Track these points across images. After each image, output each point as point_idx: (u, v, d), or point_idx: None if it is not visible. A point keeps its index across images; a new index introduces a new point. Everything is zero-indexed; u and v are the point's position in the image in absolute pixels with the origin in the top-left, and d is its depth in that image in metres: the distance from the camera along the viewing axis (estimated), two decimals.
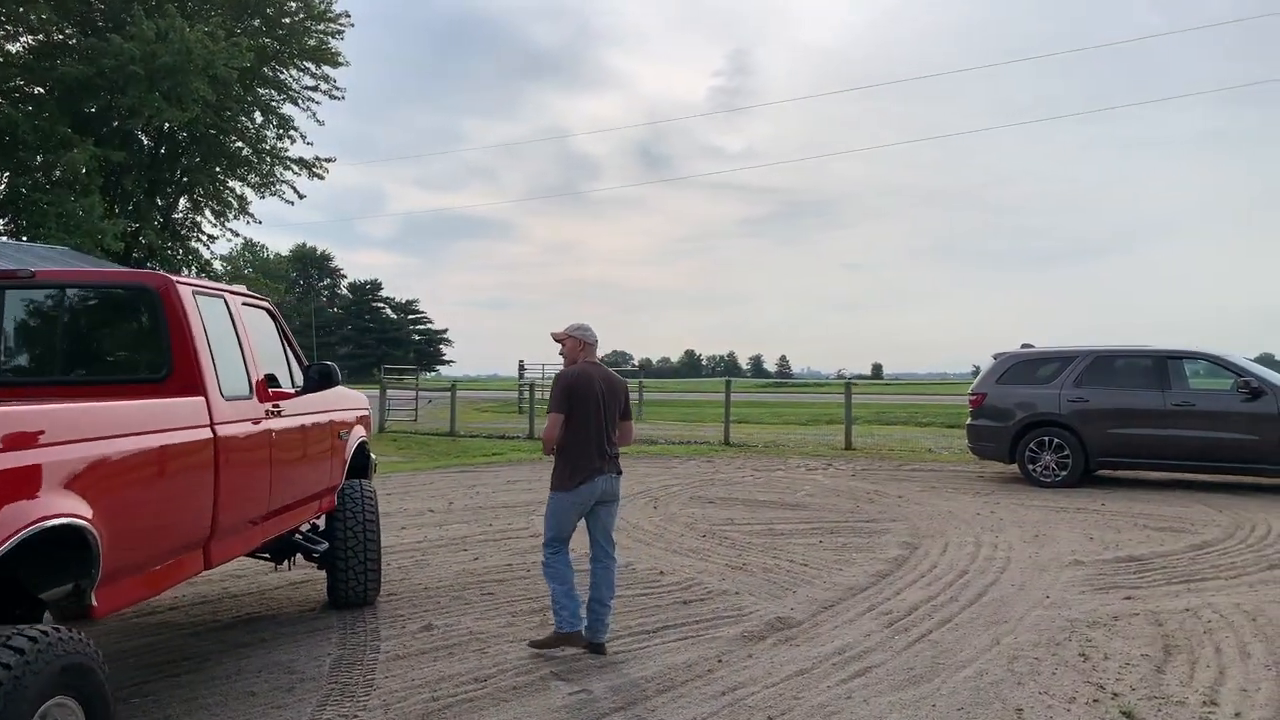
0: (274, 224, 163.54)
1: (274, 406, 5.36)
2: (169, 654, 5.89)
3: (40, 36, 27.59)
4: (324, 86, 31.13)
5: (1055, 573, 7.94)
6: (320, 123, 38.53)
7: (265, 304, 6.00)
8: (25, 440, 3.09)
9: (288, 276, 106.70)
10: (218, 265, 32.03)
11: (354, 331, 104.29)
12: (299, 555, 6.74)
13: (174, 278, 4.71)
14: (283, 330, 6.10)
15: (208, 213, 30.81)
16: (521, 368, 29.45)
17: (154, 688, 5.26)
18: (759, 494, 12.68)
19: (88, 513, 3.39)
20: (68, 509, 3.24)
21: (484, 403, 34.82)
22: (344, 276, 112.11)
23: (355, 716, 4.80)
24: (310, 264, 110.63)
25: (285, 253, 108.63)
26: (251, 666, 5.61)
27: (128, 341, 4.66)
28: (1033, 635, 6.15)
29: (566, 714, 4.80)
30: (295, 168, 30.62)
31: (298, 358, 6.19)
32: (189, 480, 4.28)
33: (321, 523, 6.93)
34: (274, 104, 30.70)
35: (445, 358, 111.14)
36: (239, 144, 30.38)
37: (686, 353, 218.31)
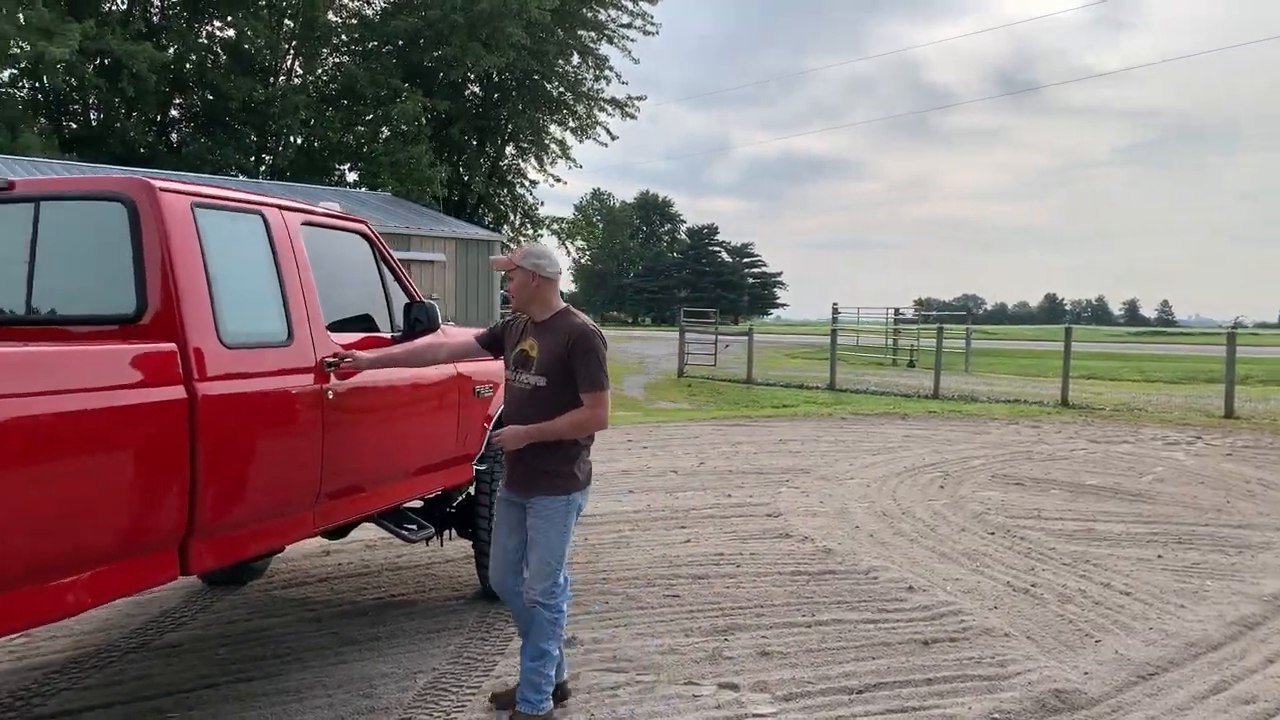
0: (624, 172, 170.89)
1: (335, 356, 4.10)
2: (266, 646, 4.96)
3: None
4: (638, 24, 30.56)
5: None
6: (635, 61, 38.43)
7: (358, 226, 4.76)
8: None
9: (631, 223, 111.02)
10: (543, 210, 32.89)
11: (691, 275, 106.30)
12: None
13: (160, 183, 3.54)
14: (384, 260, 4.84)
15: (531, 158, 31.57)
16: (835, 311, 27.28)
17: (207, 696, 4.30)
18: (1087, 475, 9.92)
19: None
20: None
21: (799, 348, 33.06)
22: (683, 222, 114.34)
23: None
24: (653, 210, 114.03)
25: (630, 200, 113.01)
26: (334, 679, 4.50)
27: (102, 270, 3.58)
28: None
29: None
30: (609, 108, 30.45)
31: (409, 295, 4.92)
32: (122, 461, 3.10)
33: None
34: (591, 44, 30.60)
35: (779, 300, 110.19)
36: (559, 88, 30.67)
37: (1047, 297, 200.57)
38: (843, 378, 20.95)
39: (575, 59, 30.43)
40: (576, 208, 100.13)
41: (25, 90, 24.12)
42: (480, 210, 31.36)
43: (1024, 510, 8.19)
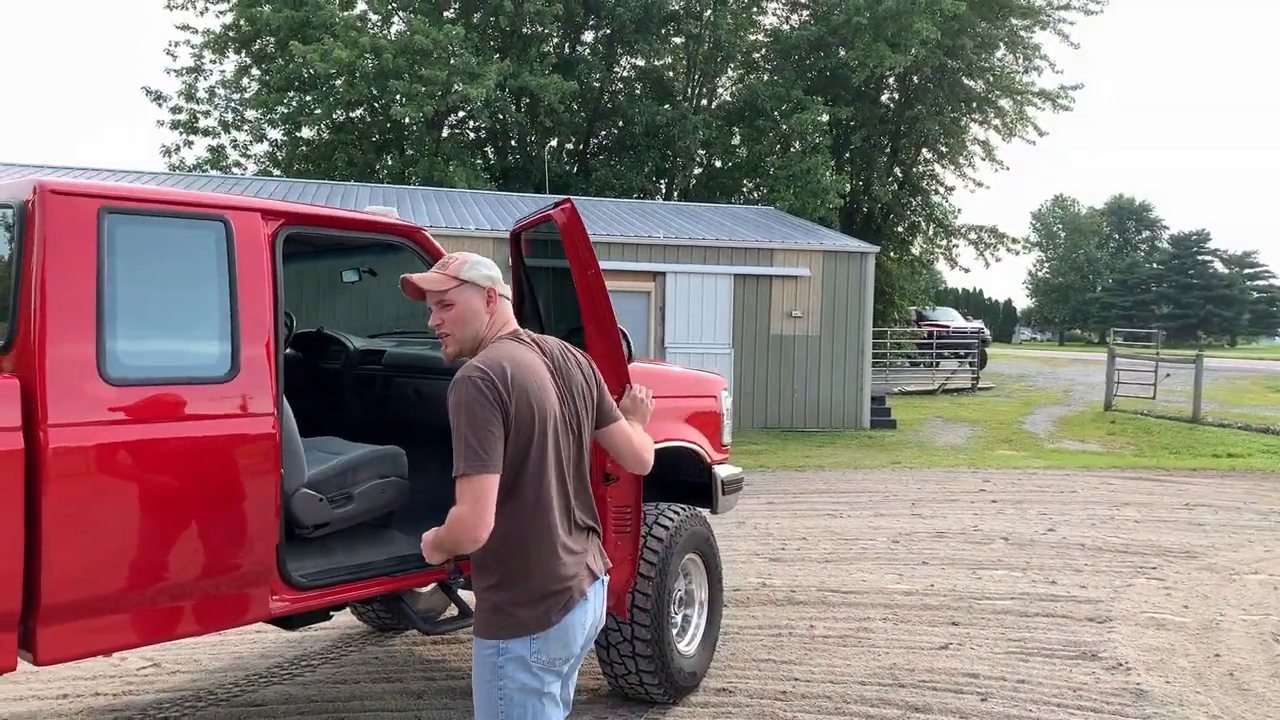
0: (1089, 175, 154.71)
1: None
2: None
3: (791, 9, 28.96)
4: (1077, 3, 26.71)
5: None
6: (1075, 45, 33.64)
7: (402, 233, 3.88)
8: None
9: (1100, 231, 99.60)
10: (966, 218, 30.04)
11: (1173, 289, 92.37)
12: None
13: (56, 185, 2.96)
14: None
15: (948, 163, 28.97)
16: None
17: None
18: None
19: None
20: None
21: None
22: (1165, 228, 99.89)
23: None
24: (1126, 216, 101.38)
25: (1100, 206, 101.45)
26: None
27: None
28: None
29: None
30: (1038, 101, 26.90)
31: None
32: None
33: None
34: (1021, 33, 27.31)
35: None
36: (979, 83, 27.79)
37: None
38: None
39: (1000, 51, 27.31)
40: (1034, 215, 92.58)
41: (472, 130, 27.22)
42: (889, 220, 29.46)
43: None
